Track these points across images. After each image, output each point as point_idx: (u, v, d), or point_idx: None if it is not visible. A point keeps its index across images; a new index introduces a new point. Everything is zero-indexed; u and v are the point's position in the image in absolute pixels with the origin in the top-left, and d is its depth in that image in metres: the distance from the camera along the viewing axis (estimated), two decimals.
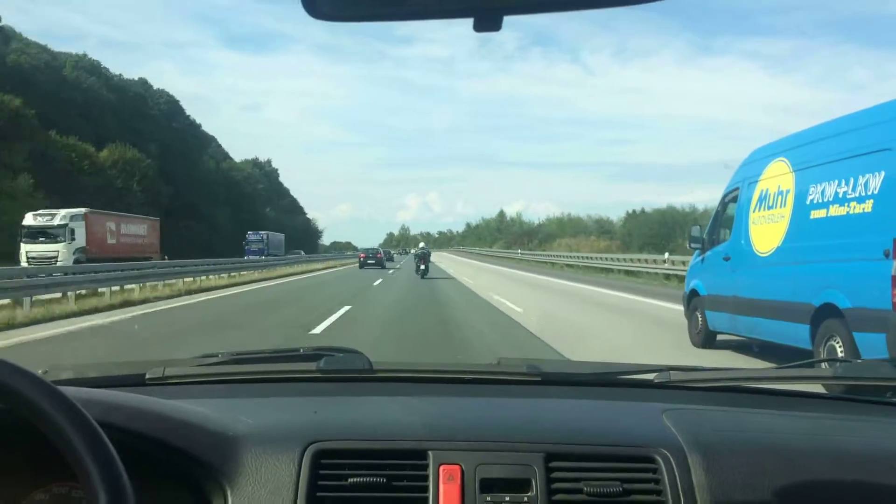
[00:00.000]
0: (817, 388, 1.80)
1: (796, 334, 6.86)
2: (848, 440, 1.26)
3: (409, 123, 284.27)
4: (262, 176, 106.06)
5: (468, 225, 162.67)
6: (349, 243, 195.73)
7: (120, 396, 1.10)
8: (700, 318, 9.14)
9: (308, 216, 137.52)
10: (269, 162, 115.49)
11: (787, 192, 7.29)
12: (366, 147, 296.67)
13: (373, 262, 42.80)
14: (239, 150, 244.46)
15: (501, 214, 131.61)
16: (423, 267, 27.07)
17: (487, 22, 0.75)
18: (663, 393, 1.52)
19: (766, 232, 7.63)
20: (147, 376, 1.45)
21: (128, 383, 1.43)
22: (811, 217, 6.78)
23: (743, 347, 8.65)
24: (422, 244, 30.32)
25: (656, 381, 1.54)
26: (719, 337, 8.96)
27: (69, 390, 0.87)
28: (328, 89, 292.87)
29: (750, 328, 7.92)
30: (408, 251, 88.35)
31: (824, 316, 6.47)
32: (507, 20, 0.76)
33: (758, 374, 1.73)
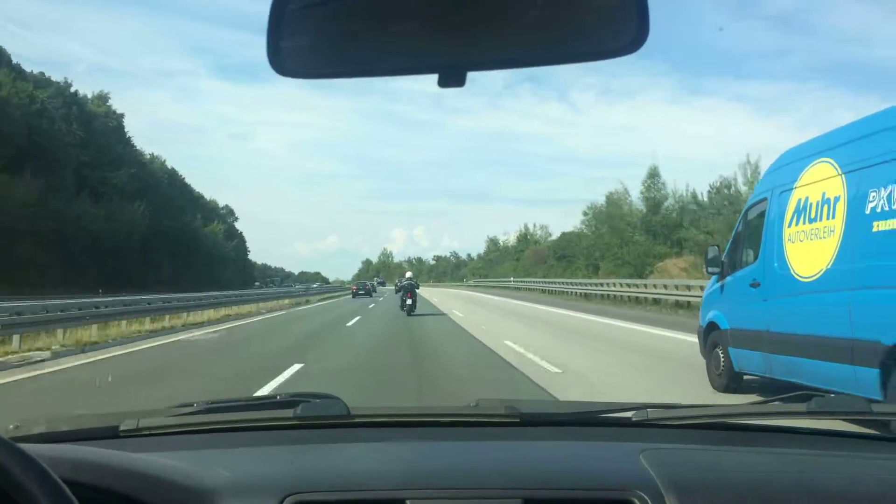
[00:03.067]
0: (794, 422, 1.63)
1: (858, 380, 5.34)
2: (825, 476, 1.25)
3: (397, 156, 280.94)
4: (65, 116, 51.32)
5: (494, 242, 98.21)
6: (318, 273, 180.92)
7: (90, 452, 1.08)
8: (722, 357, 7.60)
9: (233, 222, 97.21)
10: (102, 98, 62.14)
11: (836, 199, 5.81)
12: (354, 179, 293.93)
13: (363, 293, 51.87)
14: (228, 179, 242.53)
15: (623, 196, 44.30)
16: (409, 302, 23.15)
17: (451, 78, 0.80)
18: (642, 432, 1.51)
19: (809, 251, 6.14)
20: (121, 428, 1.42)
21: (102, 436, 1.40)
22: (874, 230, 5.29)
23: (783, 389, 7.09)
24: (408, 274, 25.91)
25: (634, 419, 1.53)
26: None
27: (38, 447, 0.94)
28: (317, 120, 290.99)
29: (790, 370, 6.38)
30: (373, 285, 63.54)
31: None
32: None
33: (735, 411, 1.74)
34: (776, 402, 1.71)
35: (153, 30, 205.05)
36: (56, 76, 57.98)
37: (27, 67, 54.43)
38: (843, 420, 1.69)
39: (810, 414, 1.54)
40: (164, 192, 65.75)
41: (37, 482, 0.75)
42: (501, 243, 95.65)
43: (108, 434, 1.42)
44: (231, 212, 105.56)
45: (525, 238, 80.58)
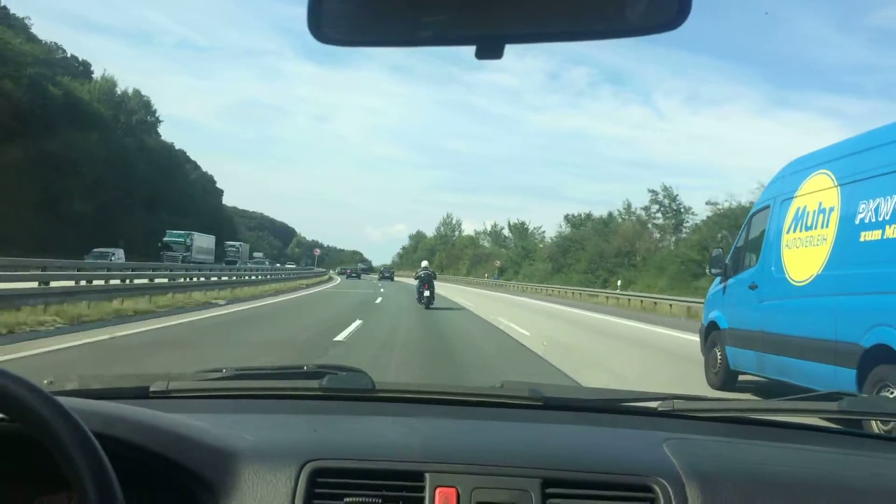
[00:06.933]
0: (821, 421, 1.74)
1: (838, 380, 5.68)
2: (848, 474, 1.26)
3: (472, 149, 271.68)
4: None
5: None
6: (358, 253, 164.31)
7: (121, 409, 1.11)
8: (719, 356, 7.95)
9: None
10: None
11: (831, 209, 6.14)
12: (427, 169, 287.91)
13: (355, 275, 64.46)
14: (311, 161, 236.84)
15: None
16: (426, 294, 21.68)
17: (489, 51, 0.79)
18: (666, 422, 1.52)
19: (803, 257, 6.47)
20: (151, 389, 1.46)
21: (132, 395, 1.44)
22: (861, 240, 5.62)
23: (773, 390, 7.44)
24: (424, 263, 23.71)
25: (660, 409, 1.55)
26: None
27: (71, 401, 0.94)
28: (394, 107, 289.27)
29: (779, 370, 6.72)
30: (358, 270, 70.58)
31: (876, 360, 5.30)
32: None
33: (761, 406, 1.78)
34: (803, 400, 1.71)
35: (240, 7, 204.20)
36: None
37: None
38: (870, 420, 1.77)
39: (839, 412, 1.54)
40: None
41: (68, 432, 0.78)
42: None
43: (139, 395, 1.46)
44: (148, 104, 67.26)
45: None
